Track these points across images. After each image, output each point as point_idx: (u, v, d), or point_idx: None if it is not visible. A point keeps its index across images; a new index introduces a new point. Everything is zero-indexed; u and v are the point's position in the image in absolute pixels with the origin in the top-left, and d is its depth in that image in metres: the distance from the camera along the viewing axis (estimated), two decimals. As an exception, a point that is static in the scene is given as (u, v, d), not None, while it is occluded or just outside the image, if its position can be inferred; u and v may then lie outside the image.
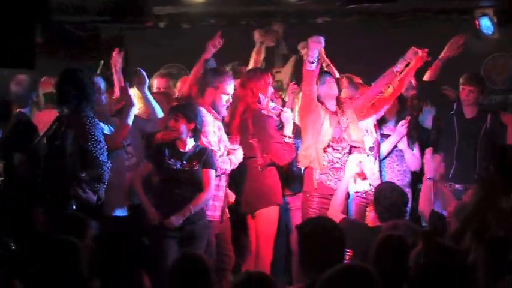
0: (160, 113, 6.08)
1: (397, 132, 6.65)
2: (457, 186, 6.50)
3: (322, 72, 6.43)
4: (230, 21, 8.69)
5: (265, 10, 8.61)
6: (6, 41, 4.23)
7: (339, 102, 6.35)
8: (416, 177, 6.73)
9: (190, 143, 5.67)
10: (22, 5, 4.23)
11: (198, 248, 5.51)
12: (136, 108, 5.94)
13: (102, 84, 5.95)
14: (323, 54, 7.11)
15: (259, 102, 6.17)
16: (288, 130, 6.16)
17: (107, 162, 5.34)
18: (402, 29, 8.72)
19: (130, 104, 5.80)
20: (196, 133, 5.66)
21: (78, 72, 5.45)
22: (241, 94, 6.20)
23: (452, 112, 6.77)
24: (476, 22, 8.07)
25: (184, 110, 5.68)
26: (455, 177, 6.56)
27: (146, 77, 6.06)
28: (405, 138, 6.73)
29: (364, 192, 6.24)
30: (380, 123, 6.76)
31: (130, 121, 5.79)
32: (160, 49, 8.41)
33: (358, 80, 6.93)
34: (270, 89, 6.32)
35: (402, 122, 6.64)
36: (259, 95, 6.16)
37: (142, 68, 6.16)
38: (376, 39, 8.69)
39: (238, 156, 5.93)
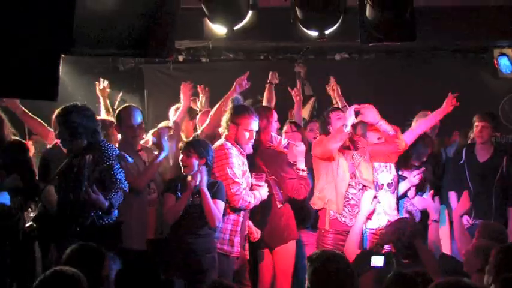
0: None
1: (409, 180, 6.58)
2: (476, 221, 6.46)
3: (336, 110, 6.48)
4: (248, 56, 8.78)
5: (283, 46, 8.67)
6: (30, 73, 4.24)
7: (352, 139, 6.35)
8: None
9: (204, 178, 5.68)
10: (46, 37, 4.26)
11: (206, 282, 5.50)
12: None
13: (140, 117, 5.98)
14: (339, 94, 7.19)
15: (271, 142, 6.22)
16: (302, 164, 6.16)
17: (125, 181, 5.37)
18: (420, 66, 8.72)
19: (162, 150, 5.78)
20: (207, 168, 5.69)
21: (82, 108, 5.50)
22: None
23: (462, 162, 6.76)
24: (495, 61, 8.06)
25: (196, 146, 5.72)
26: (473, 214, 6.56)
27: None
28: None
29: (379, 229, 6.18)
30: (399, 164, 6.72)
31: (157, 167, 5.83)
32: (178, 82, 8.43)
33: None
34: (275, 125, 6.37)
35: (415, 172, 6.57)
36: (272, 134, 6.22)
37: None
38: (394, 76, 8.70)
39: (263, 193, 5.93)
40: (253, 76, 7.04)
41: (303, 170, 6.11)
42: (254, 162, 6.10)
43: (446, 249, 6.35)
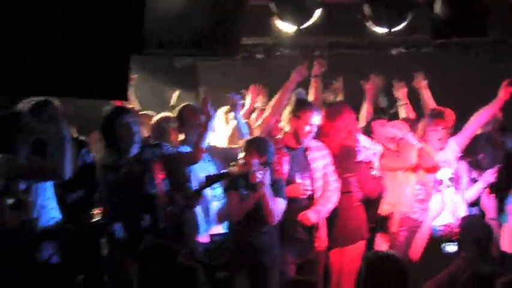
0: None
1: (484, 180, 6.45)
2: None
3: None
4: (304, 51, 8.69)
5: (338, 41, 8.57)
6: (102, 73, 4.27)
7: None
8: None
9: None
10: (118, 38, 4.28)
11: (269, 279, 5.55)
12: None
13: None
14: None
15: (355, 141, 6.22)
16: (376, 164, 6.17)
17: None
18: (479, 60, 8.54)
19: (209, 117, 5.80)
20: (267, 166, 5.65)
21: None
22: (334, 129, 6.20)
23: None
24: None
25: (257, 144, 5.70)
26: None
27: (239, 101, 6.23)
28: None
29: (448, 225, 6.12)
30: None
31: (205, 141, 5.84)
32: (233, 78, 8.40)
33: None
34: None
35: (491, 170, 6.44)
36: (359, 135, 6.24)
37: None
38: (452, 71, 8.54)
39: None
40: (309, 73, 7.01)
41: (377, 170, 6.13)
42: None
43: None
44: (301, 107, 5.97)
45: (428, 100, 7.14)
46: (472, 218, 5.69)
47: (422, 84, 7.23)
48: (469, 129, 6.49)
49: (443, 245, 5.42)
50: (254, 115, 7.10)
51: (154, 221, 5.35)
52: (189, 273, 3.68)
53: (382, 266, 3.82)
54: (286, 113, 6.02)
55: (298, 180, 5.86)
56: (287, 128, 5.98)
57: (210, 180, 5.58)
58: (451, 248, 5.27)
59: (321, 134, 6.15)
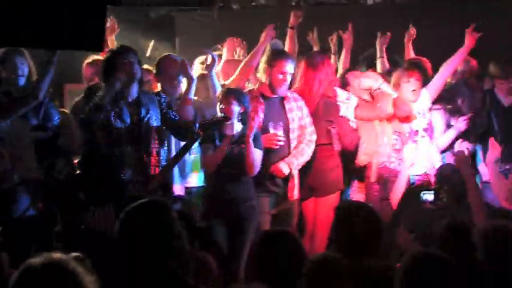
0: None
1: (456, 127, 6.51)
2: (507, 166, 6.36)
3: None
4: (280, 1, 8.63)
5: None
6: (77, 24, 4.19)
7: None
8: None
9: (238, 126, 5.69)
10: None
11: (246, 230, 5.59)
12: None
13: None
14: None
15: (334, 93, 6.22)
16: (352, 115, 6.20)
17: None
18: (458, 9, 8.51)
19: (190, 79, 5.80)
20: (245, 117, 5.69)
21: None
22: (315, 78, 6.16)
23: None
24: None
25: (235, 93, 5.72)
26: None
27: (216, 58, 6.10)
28: None
29: (425, 174, 6.19)
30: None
31: (192, 95, 5.83)
32: (209, 29, 8.33)
33: None
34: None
35: (462, 118, 6.50)
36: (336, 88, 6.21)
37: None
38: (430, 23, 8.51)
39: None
40: (286, 24, 6.96)
41: (353, 122, 6.17)
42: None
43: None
44: (275, 56, 5.98)
45: (409, 53, 7.16)
46: (447, 166, 5.75)
47: (407, 38, 7.23)
48: (439, 78, 6.52)
49: (421, 193, 5.48)
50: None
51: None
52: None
53: (355, 215, 3.81)
54: (262, 62, 6.02)
55: (271, 130, 5.86)
56: (263, 79, 5.98)
57: (205, 125, 5.50)
58: (428, 196, 5.34)
59: (302, 84, 6.15)
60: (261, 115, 5.84)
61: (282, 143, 5.86)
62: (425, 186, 5.87)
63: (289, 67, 5.93)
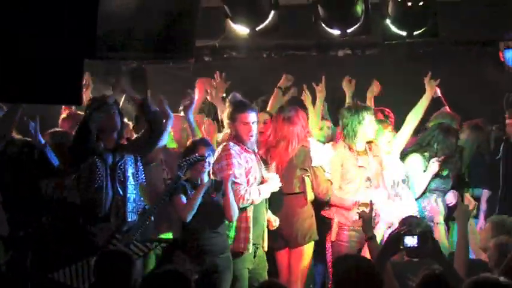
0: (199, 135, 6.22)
1: (429, 169, 6.54)
2: None
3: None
4: (251, 54, 8.66)
5: (285, 43, 8.56)
6: (54, 78, 4.15)
7: None
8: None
9: (206, 176, 5.68)
10: (69, 41, 4.17)
11: (223, 281, 5.54)
12: None
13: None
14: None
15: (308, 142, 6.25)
16: (328, 166, 6.21)
17: None
18: (423, 60, 8.66)
19: (167, 116, 5.92)
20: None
21: None
22: (293, 132, 6.20)
23: (498, 157, 6.75)
24: (501, 54, 8.03)
25: (204, 141, 5.85)
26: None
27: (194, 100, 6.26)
28: None
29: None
30: None
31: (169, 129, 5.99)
32: (181, 81, 8.33)
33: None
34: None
35: (434, 159, 6.54)
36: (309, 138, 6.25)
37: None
38: (398, 71, 8.64)
39: (273, 185, 5.88)
40: (257, 75, 7.01)
41: (328, 172, 6.17)
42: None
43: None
44: (235, 109, 6.00)
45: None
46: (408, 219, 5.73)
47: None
48: (405, 131, 6.58)
49: (405, 238, 5.44)
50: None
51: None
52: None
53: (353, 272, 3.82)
54: (225, 119, 6.07)
55: (265, 174, 5.95)
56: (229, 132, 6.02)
57: (183, 164, 5.49)
58: (411, 241, 5.30)
59: (279, 137, 6.15)
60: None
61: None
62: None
63: (253, 116, 5.92)
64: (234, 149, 5.84)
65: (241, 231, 5.83)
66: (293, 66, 8.21)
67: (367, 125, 6.18)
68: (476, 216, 6.67)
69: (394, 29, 5.27)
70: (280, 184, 5.94)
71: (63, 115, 6.61)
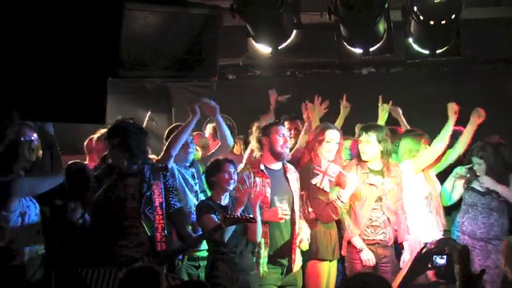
0: (231, 141, 6.13)
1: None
2: None
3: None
4: (275, 71, 8.69)
5: (309, 62, 8.59)
6: (78, 96, 4.20)
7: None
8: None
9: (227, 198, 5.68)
10: (94, 60, 4.21)
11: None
12: None
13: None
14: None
15: (320, 166, 6.07)
16: (346, 195, 5.99)
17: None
18: (447, 79, 8.65)
19: (194, 114, 5.81)
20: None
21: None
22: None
23: None
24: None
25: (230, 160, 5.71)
26: None
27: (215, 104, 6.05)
28: None
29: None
30: None
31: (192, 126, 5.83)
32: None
33: None
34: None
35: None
36: (322, 160, 6.11)
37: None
38: (421, 90, 8.62)
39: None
40: (281, 92, 7.03)
41: (342, 202, 5.99)
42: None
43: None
44: (265, 126, 5.94)
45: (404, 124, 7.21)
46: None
47: (397, 111, 7.26)
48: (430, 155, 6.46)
49: (435, 257, 5.38)
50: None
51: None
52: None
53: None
54: (254, 139, 5.95)
55: (277, 203, 5.76)
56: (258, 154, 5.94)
57: (229, 221, 5.49)
58: (440, 260, 5.23)
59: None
60: (268, 189, 5.80)
61: (288, 217, 5.79)
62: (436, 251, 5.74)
63: (284, 129, 5.92)
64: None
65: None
66: (318, 84, 8.26)
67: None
68: None
69: (416, 47, 5.27)
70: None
71: (98, 134, 6.57)
